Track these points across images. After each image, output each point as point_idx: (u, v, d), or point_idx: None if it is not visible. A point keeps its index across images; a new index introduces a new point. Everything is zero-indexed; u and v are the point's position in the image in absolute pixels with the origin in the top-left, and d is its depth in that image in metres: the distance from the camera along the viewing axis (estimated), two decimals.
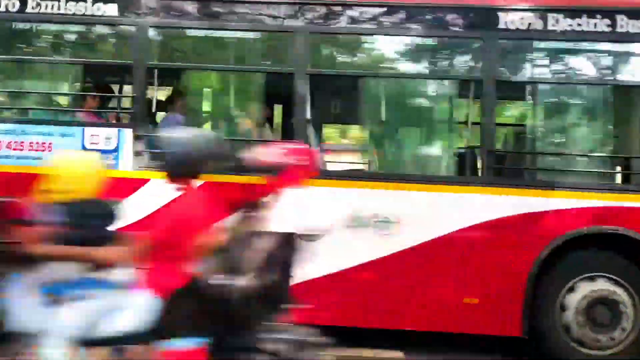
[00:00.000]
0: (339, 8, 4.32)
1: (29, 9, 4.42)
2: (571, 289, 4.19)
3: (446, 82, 4.43)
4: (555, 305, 4.19)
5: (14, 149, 4.39)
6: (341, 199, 4.26)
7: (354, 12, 4.31)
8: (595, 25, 4.20)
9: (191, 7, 4.42)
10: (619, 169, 4.53)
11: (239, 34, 4.53)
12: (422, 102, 4.56)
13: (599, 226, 4.17)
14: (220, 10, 4.41)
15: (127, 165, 4.37)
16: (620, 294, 4.16)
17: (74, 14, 4.40)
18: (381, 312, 4.27)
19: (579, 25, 4.22)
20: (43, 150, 4.37)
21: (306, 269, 4.10)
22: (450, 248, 4.21)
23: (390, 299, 4.25)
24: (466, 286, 4.22)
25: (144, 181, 4.35)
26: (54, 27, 4.43)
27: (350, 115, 4.52)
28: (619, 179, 4.53)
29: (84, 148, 4.37)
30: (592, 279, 4.19)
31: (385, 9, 4.31)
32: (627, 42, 4.27)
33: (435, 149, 4.49)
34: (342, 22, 4.34)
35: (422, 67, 4.64)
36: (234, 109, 4.71)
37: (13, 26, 4.57)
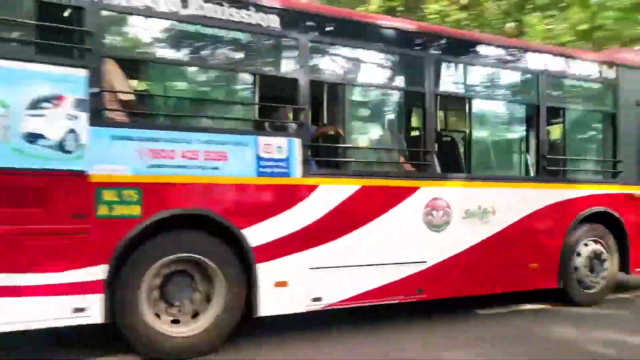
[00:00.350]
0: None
1: (191, 11, 4.25)
2: (579, 251, 6.20)
3: (520, 107, 5.93)
4: (572, 260, 6.15)
5: (190, 158, 4.22)
6: (457, 195, 5.39)
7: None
8: None
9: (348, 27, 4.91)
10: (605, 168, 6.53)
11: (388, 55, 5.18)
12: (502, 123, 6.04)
13: (591, 208, 6.23)
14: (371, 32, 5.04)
15: (297, 173, 4.64)
16: (602, 248, 6.34)
17: (240, 22, 4.42)
18: (482, 281, 5.57)
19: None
20: (219, 160, 4.32)
21: (435, 254, 5.22)
22: (523, 228, 5.75)
23: (488, 271, 5.57)
24: (531, 255, 5.83)
25: (313, 187, 4.70)
26: (220, 33, 4.35)
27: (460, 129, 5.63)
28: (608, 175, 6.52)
29: (258, 157, 4.47)
30: (594, 241, 6.27)
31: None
32: None
33: (512, 156, 5.97)
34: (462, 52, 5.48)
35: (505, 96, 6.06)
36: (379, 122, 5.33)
37: (175, 28, 4.28)
